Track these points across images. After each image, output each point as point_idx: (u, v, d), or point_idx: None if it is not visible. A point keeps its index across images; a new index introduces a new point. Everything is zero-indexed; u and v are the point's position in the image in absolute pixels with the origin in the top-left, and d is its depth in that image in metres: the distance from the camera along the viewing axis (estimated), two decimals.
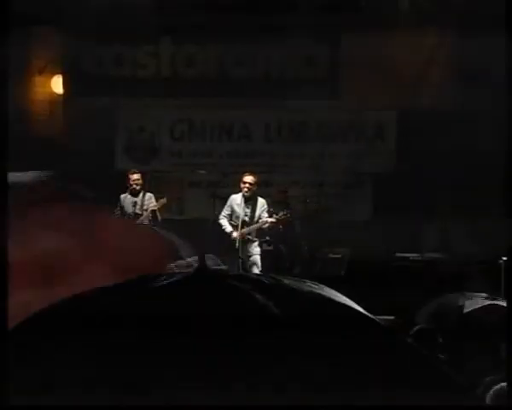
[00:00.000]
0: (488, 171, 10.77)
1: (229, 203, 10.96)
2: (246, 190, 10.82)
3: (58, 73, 13.75)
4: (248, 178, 10.90)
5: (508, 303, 5.93)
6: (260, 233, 10.89)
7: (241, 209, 10.81)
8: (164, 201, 11.12)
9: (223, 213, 10.96)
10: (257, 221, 10.83)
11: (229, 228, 10.84)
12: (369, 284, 9.36)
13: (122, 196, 11.15)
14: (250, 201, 10.86)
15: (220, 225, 10.90)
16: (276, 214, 10.79)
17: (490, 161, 10.55)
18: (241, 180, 10.98)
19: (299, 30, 12.86)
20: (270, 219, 10.75)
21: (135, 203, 11.04)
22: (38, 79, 13.82)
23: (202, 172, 12.94)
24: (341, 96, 13.34)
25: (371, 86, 12.46)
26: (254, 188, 10.87)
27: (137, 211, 11.00)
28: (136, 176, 11.16)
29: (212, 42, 13.12)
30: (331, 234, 11.86)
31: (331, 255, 11.52)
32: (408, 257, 11.60)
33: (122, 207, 11.10)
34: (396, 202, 12.06)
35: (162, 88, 13.57)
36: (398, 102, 12.90)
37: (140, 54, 13.72)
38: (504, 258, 8.88)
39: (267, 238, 10.94)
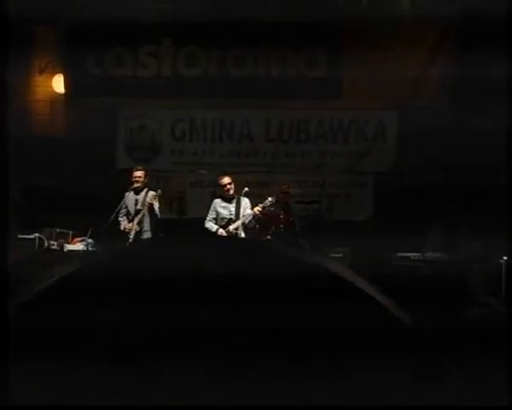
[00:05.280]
0: (488, 171, 10.76)
1: (212, 207, 11.07)
2: (225, 191, 10.94)
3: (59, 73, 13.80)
4: (225, 180, 11.03)
5: (508, 303, 5.93)
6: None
7: (225, 210, 10.94)
8: (159, 192, 11.07)
9: (208, 218, 11.07)
10: None
11: (215, 228, 10.92)
12: (369, 283, 9.34)
13: (126, 193, 11.15)
14: (233, 200, 10.97)
15: (206, 229, 10.98)
16: (257, 206, 10.84)
17: (490, 160, 10.55)
18: (218, 183, 11.15)
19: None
20: (250, 212, 10.83)
21: (137, 201, 11.05)
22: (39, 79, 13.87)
23: (203, 171, 12.89)
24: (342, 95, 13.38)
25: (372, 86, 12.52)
26: (232, 187, 10.95)
27: (139, 207, 11.01)
28: (138, 173, 11.15)
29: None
30: (332, 233, 11.85)
31: (332, 255, 11.51)
32: (409, 256, 11.60)
33: (126, 205, 11.13)
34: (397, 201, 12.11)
35: (163, 87, 13.60)
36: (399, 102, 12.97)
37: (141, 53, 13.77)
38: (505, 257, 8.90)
39: (268, 238, 10.92)
